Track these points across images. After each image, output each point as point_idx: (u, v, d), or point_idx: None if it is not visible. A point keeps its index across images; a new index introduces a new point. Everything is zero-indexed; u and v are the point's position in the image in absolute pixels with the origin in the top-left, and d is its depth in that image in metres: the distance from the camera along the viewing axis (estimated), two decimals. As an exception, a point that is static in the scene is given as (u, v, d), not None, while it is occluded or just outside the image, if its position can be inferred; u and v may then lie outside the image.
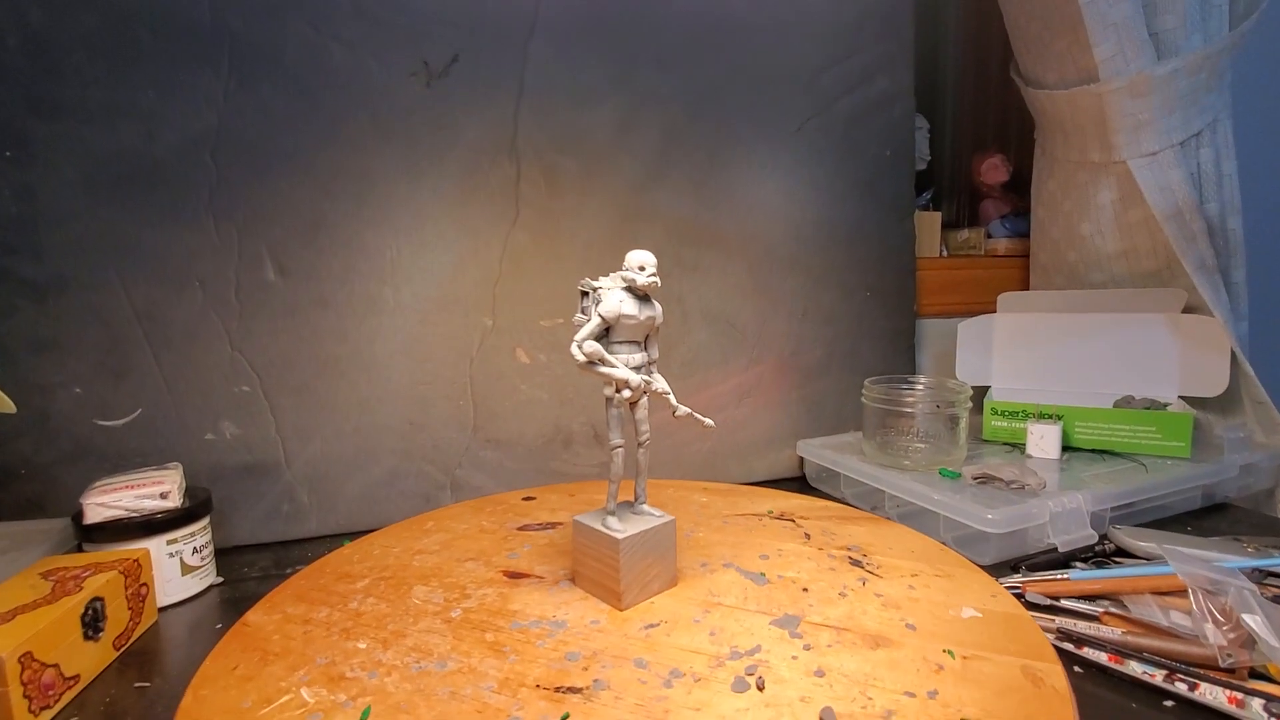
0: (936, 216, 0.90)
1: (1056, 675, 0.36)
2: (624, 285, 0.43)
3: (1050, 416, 0.72)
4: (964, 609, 0.43)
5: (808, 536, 0.55)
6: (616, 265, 0.44)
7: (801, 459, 0.79)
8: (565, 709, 0.34)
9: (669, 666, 0.38)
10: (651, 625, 0.42)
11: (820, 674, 0.37)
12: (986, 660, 0.38)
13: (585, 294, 0.44)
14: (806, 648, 0.39)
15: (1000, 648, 0.39)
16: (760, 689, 0.35)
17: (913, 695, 0.35)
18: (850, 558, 0.51)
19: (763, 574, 0.48)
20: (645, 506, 0.47)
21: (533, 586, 0.47)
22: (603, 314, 0.42)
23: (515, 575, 0.49)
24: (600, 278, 0.44)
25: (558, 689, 0.36)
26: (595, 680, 0.36)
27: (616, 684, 0.36)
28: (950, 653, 0.39)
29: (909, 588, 0.46)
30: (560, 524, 0.58)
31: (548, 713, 0.34)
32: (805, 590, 0.46)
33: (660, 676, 0.37)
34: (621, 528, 0.44)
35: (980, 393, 0.79)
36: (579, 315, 0.44)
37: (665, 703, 0.35)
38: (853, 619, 0.42)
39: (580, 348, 0.42)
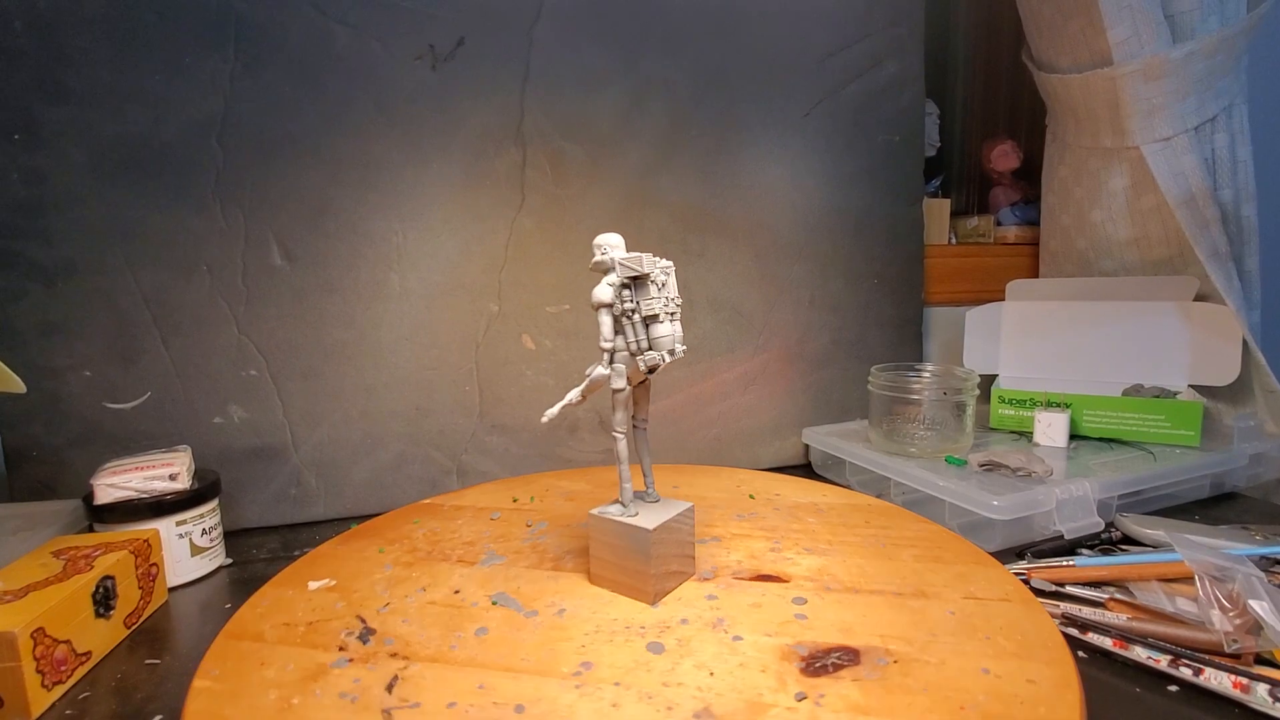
0: (945, 203, 0.89)
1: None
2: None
3: (1058, 405, 0.72)
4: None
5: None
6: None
7: (807, 446, 0.79)
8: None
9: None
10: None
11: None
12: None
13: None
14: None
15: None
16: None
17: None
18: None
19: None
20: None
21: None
22: None
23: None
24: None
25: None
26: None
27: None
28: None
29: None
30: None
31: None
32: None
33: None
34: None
35: (988, 381, 0.79)
36: (653, 298, 0.44)
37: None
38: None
39: None
